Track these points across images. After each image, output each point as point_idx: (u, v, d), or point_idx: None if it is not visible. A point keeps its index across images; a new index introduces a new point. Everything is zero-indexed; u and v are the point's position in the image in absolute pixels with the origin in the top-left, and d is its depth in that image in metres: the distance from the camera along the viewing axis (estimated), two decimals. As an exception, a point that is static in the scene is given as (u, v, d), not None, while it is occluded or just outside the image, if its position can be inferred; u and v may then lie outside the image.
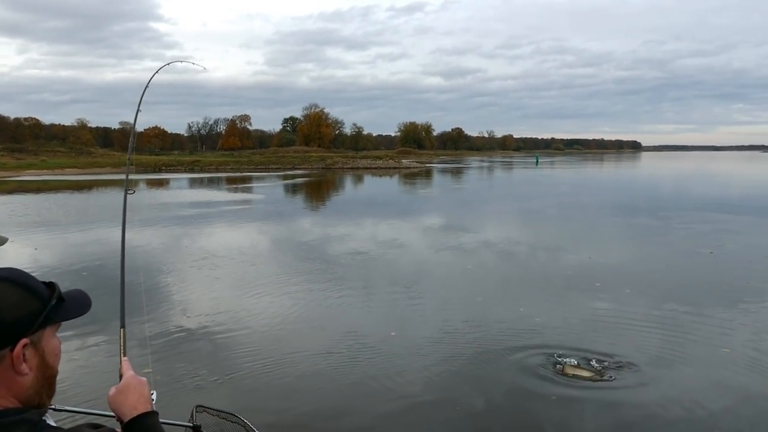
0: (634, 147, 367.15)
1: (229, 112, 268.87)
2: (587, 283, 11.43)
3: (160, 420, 1.63)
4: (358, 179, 53.65)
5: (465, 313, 9.34)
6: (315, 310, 9.62)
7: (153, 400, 1.72)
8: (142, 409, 1.57)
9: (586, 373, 6.70)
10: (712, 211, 24.25)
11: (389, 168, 76.46)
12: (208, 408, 4.80)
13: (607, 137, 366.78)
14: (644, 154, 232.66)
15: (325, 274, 12.12)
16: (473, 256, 14.45)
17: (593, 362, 7.01)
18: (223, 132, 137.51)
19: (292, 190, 41.10)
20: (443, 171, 71.16)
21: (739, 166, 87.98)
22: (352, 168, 75.59)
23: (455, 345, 7.86)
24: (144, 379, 1.65)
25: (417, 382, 6.65)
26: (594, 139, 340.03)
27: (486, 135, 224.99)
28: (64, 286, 1.43)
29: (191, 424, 4.03)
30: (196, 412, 4.40)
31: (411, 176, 58.26)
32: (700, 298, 10.17)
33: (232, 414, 4.96)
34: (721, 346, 7.75)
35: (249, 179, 52.76)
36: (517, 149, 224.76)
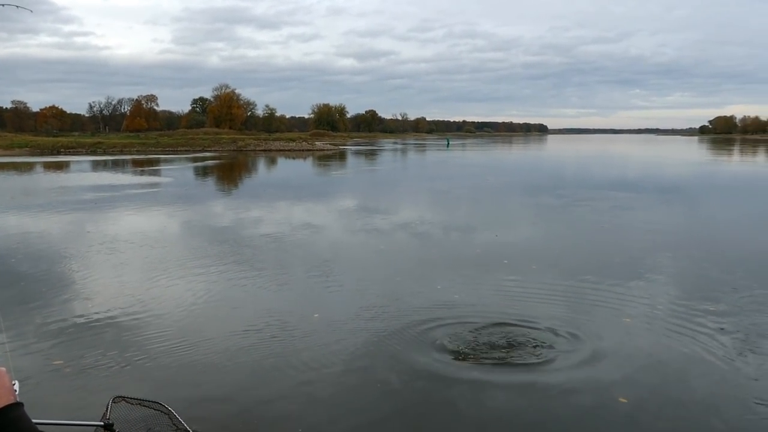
0: (541, 130, 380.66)
1: (134, 92, 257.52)
2: (497, 261, 11.86)
3: (70, 421, 1.51)
4: (271, 162, 52.82)
5: (383, 292, 9.44)
6: (230, 293, 9.42)
7: (16, 390, 1.57)
8: (2, 402, 1.42)
9: (496, 353, 6.94)
10: (610, 189, 25.64)
11: (303, 150, 75.75)
12: (127, 397, 4.61)
13: (515, 120, 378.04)
14: (550, 137, 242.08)
15: (239, 258, 11.89)
16: (388, 237, 14.62)
17: (504, 337, 7.29)
18: (128, 113, 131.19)
19: (203, 172, 39.94)
20: (357, 153, 71.28)
21: (635, 148, 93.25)
22: (264, 150, 74.34)
23: (373, 324, 7.93)
24: (2, 368, 1.48)
25: (337, 363, 6.67)
26: (503, 122, 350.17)
27: (399, 117, 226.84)
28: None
29: (102, 423, 3.87)
30: (113, 403, 4.23)
31: (325, 158, 57.99)
32: (600, 271, 10.76)
33: (154, 402, 4.81)
34: (622, 316, 8.26)
35: (156, 161, 50.78)
36: (430, 132, 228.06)
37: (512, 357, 6.77)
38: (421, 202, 22.32)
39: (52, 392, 5.93)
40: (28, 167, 43.96)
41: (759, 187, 30.15)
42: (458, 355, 6.83)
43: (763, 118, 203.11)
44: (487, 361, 6.69)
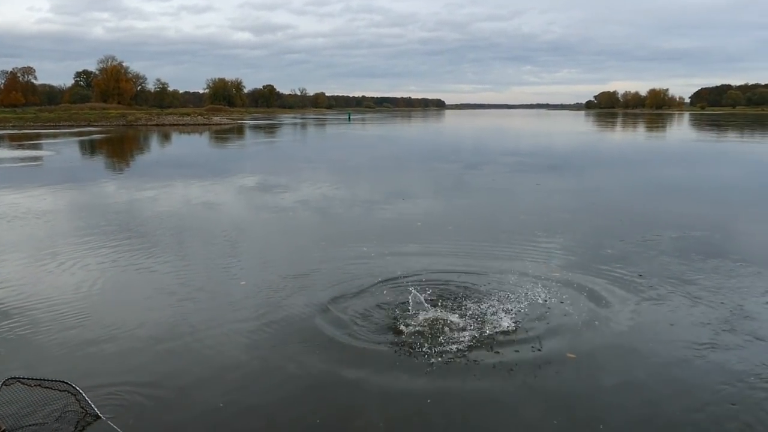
0: (439, 105, 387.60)
1: (8, 64, 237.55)
2: (410, 226, 11.86)
3: None
4: (165, 137, 50.37)
5: (291, 265, 9.21)
6: (125, 275, 8.75)
7: None
8: None
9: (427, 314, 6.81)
10: (505, 157, 26.43)
11: (198, 125, 72.91)
12: (22, 378, 4.07)
13: (414, 96, 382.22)
14: (447, 112, 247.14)
15: (133, 238, 11.08)
16: (297, 211, 14.27)
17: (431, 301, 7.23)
18: (2, 87, 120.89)
19: (89, 147, 37.45)
20: (256, 128, 69.41)
21: (528, 122, 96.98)
22: (157, 125, 70.79)
23: (283, 301, 7.71)
24: None
25: (244, 334, 6.42)
26: (402, 98, 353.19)
27: (298, 93, 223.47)
28: None
29: None
30: (4, 386, 3.71)
31: (222, 133, 56.05)
32: (518, 230, 11.01)
33: (58, 381, 4.29)
34: (538, 274, 8.44)
35: (36, 136, 47.07)
36: (329, 107, 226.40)
37: (443, 316, 6.73)
38: (327, 173, 22.03)
39: None
40: None
41: (634, 154, 32.09)
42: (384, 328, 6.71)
43: (642, 93, 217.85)
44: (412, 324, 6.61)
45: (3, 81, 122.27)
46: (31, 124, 67.92)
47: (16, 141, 41.93)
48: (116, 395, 4.87)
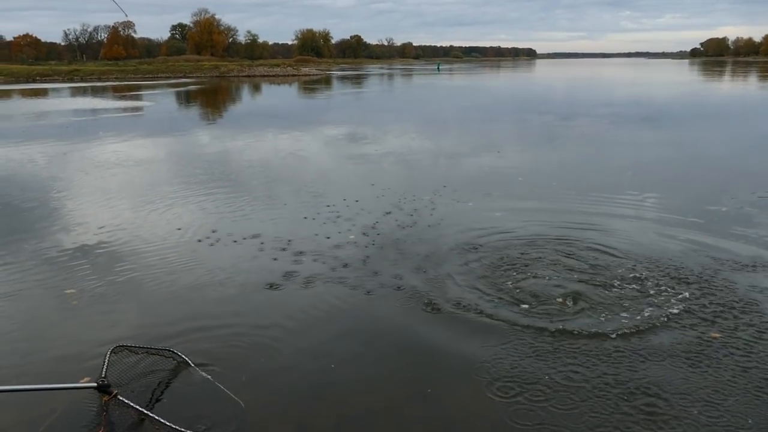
0: (529, 55, 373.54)
1: (110, 19, 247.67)
2: (512, 180, 11.46)
3: (60, 385, 1.09)
4: (255, 88, 51.29)
5: (384, 213, 9.07)
6: (224, 220, 8.96)
7: None
8: None
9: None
10: (602, 108, 25.09)
11: (287, 76, 73.82)
12: (130, 346, 4.22)
13: (503, 45, 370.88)
14: (539, 62, 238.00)
15: (228, 187, 11.25)
16: (400, 164, 14.10)
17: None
18: (105, 41, 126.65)
19: (185, 98, 38.68)
20: (343, 78, 69.45)
21: (626, 72, 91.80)
22: (248, 76, 72.28)
23: (383, 254, 7.56)
24: None
25: (339, 279, 6.36)
26: (491, 47, 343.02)
27: (385, 43, 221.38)
28: None
29: (95, 384, 3.48)
30: (112, 353, 3.83)
31: (310, 84, 56.45)
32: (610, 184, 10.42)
33: (165, 349, 4.43)
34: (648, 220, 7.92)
35: (137, 88, 49.13)
36: (417, 57, 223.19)
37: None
38: (418, 125, 21.69)
39: (56, 323, 5.54)
40: (4, 94, 42.37)
41: (744, 106, 29.63)
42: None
43: (757, 39, 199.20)
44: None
45: (106, 35, 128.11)
46: (132, 76, 71.04)
47: (119, 92, 43.91)
48: (218, 343, 4.93)
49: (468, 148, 15.11)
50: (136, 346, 4.32)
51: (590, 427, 3.74)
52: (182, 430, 3.69)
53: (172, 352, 4.51)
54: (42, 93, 44.03)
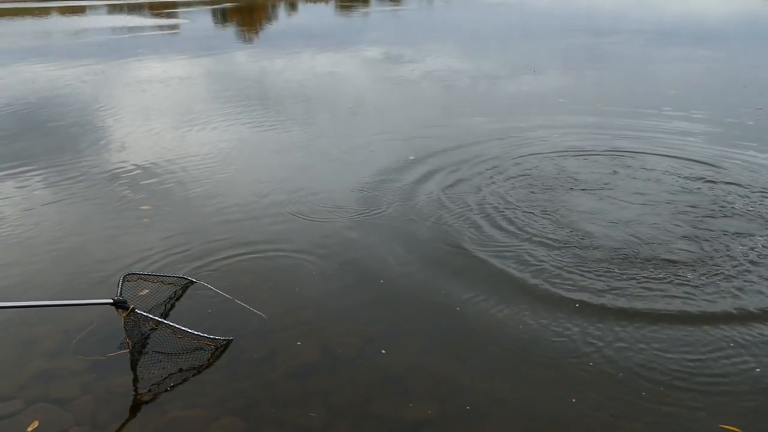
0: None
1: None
2: (552, 101, 11.17)
3: (79, 301, 1.12)
4: (291, 6, 50.12)
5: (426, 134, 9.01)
6: (261, 141, 9.08)
7: None
8: None
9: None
10: (649, 25, 23.88)
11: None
12: (142, 274, 4.41)
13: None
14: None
15: (267, 107, 11.30)
16: (432, 79, 13.85)
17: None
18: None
19: (221, 16, 38.18)
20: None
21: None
22: (284, -7, 70.42)
23: (432, 179, 7.46)
24: None
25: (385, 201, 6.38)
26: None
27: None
28: None
29: (111, 300, 3.63)
30: (126, 281, 4.00)
31: (347, 1, 54.87)
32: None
33: (180, 277, 4.58)
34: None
35: (172, 5, 48.57)
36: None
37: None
38: (457, 44, 21.08)
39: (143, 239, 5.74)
40: (43, 12, 42.43)
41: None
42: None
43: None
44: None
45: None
46: (168, -8, 69.90)
47: (155, 10, 43.52)
48: (247, 264, 5.07)
49: (505, 70, 14.67)
50: (148, 274, 4.49)
51: None
52: (204, 335, 3.86)
53: (188, 279, 4.66)
54: (79, 10, 43.92)
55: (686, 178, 6.69)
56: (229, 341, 3.96)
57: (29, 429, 3.31)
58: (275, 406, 3.44)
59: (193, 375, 3.71)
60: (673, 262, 4.83)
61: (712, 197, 6.12)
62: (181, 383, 3.65)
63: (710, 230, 5.36)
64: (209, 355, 3.86)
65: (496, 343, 3.94)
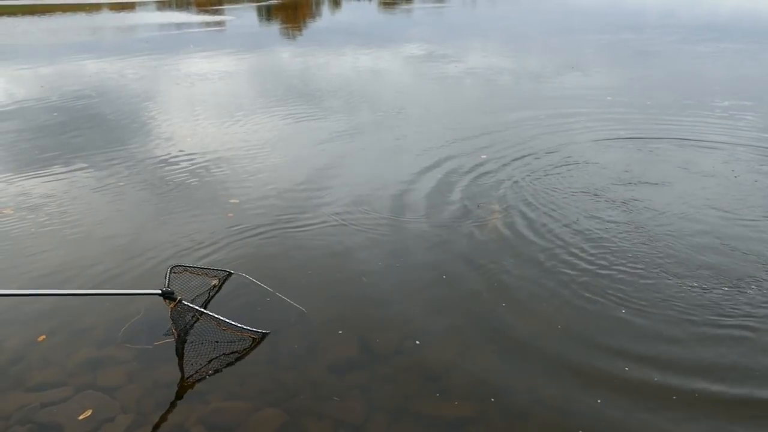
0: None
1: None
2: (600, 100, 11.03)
3: (130, 291, 1.15)
4: (335, 3, 50.36)
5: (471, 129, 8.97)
6: (302, 135, 9.17)
7: None
8: None
9: None
10: (697, 21, 23.24)
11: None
12: (189, 267, 4.49)
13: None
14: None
15: (310, 102, 11.36)
16: (489, 84, 13.78)
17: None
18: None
19: (266, 13, 38.60)
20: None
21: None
22: (328, -10, 70.80)
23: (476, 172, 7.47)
24: None
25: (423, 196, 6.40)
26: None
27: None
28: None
29: (159, 291, 3.71)
30: (172, 273, 4.09)
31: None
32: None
33: (223, 270, 4.67)
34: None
35: (218, 2, 49.30)
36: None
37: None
38: (502, 43, 20.91)
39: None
40: (94, 8, 43.61)
41: None
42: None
43: None
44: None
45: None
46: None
47: (202, 6, 44.26)
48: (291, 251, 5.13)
49: (550, 69, 14.44)
50: (195, 267, 4.58)
51: None
52: (246, 327, 3.93)
53: (229, 271, 4.73)
54: (129, 6, 44.99)
55: None
56: (266, 334, 4.01)
57: (82, 417, 3.40)
58: (315, 399, 3.47)
59: (235, 366, 3.78)
60: None
61: None
62: (222, 374, 3.72)
63: None
64: (250, 346, 3.92)
65: (535, 343, 3.91)
